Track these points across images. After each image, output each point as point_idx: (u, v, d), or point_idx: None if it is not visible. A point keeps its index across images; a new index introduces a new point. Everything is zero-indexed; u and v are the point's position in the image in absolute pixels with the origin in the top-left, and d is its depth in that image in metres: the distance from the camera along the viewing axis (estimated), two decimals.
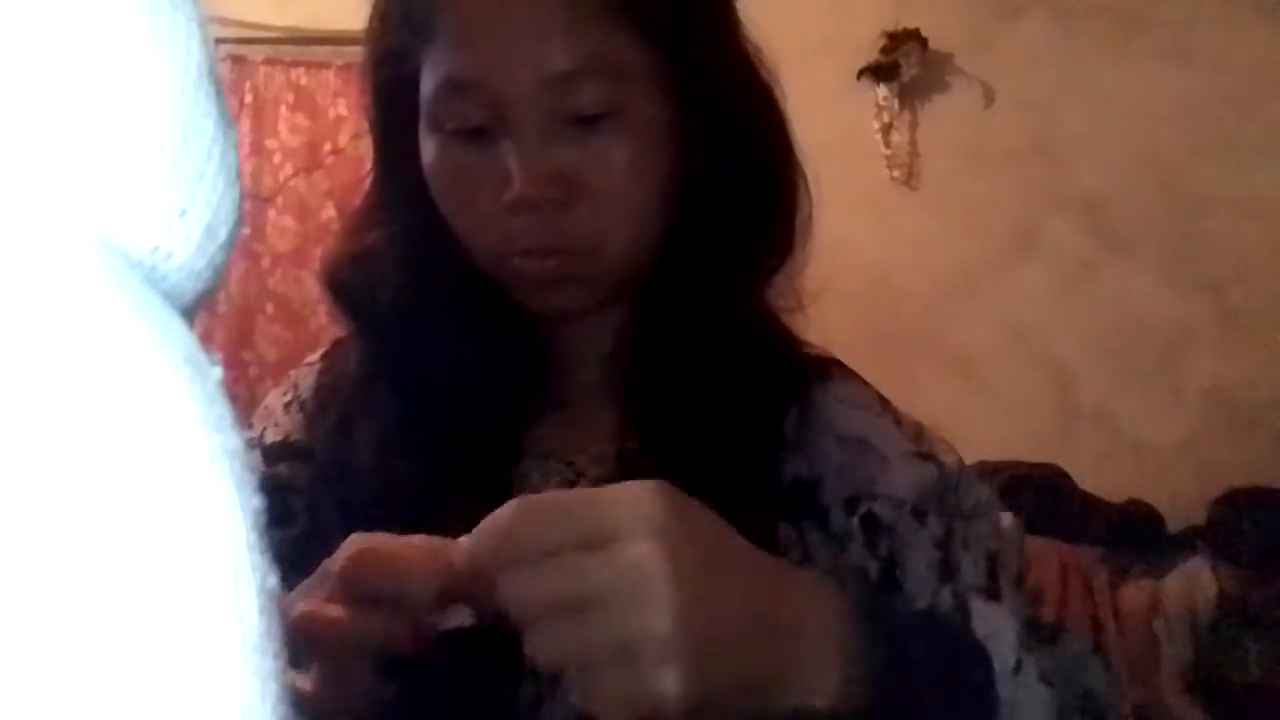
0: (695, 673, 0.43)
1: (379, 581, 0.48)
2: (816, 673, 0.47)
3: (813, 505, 0.64)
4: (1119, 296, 2.98)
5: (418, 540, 0.50)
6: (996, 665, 0.53)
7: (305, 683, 0.48)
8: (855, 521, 0.63)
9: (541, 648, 0.44)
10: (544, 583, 0.44)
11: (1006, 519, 0.66)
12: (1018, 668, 0.53)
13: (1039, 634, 0.58)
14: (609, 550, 0.43)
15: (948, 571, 0.61)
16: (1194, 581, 2.49)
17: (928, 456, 0.65)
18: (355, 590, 0.48)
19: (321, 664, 0.48)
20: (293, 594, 0.50)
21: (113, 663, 0.17)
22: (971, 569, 0.60)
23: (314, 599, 0.48)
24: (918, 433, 0.67)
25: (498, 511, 0.46)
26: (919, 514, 0.63)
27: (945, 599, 0.59)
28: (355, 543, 0.50)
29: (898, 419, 0.68)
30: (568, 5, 0.60)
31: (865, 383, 0.71)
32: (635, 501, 0.45)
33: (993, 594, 0.60)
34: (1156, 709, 2.49)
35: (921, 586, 0.61)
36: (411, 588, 0.48)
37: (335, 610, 0.48)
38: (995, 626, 0.55)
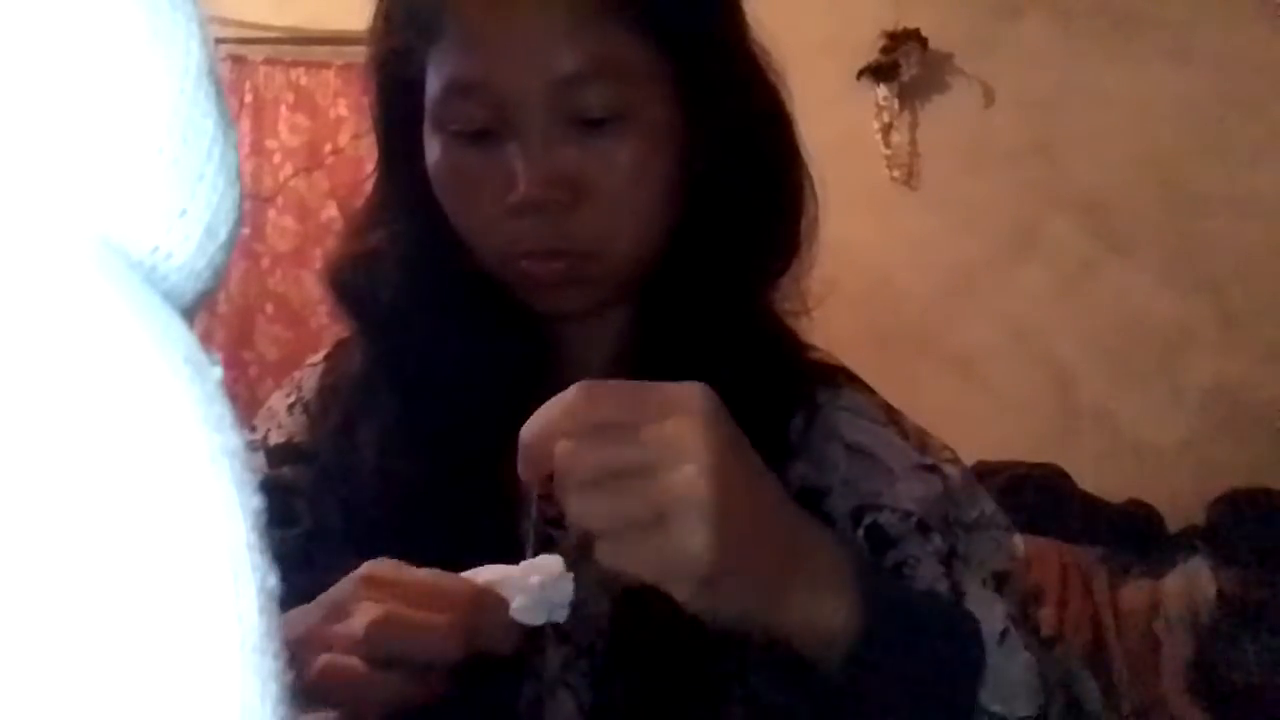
0: (723, 543, 0.45)
1: (404, 648, 0.49)
2: (822, 595, 0.49)
3: (819, 514, 0.64)
4: (1119, 296, 2.98)
5: (430, 576, 0.51)
6: (984, 630, 0.54)
7: None
8: (861, 532, 0.64)
9: (581, 509, 0.46)
10: (592, 448, 0.46)
11: (1016, 542, 0.65)
12: (1003, 636, 0.54)
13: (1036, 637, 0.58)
14: (658, 424, 0.46)
15: (952, 586, 0.61)
16: (1194, 581, 2.49)
17: (932, 469, 0.66)
18: (378, 654, 0.49)
19: (337, 708, 0.49)
20: (294, 614, 0.51)
21: (113, 662, 0.17)
22: (976, 585, 0.60)
23: (334, 653, 0.49)
24: (922, 443, 0.67)
25: (562, 393, 0.48)
26: (923, 528, 0.63)
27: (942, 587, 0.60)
28: (369, 570, 0.51)
29: (903, 430, 0.68)
30: (574, 7, 0.60)
31: (872, 391, 0.71)
32: (683, 390, 0.48)
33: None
34: (1156, 709, 2.49)
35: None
36: (435, 655, 0.49)
37: (355, 664, 0.48)
38: (985, 603, 0.57)
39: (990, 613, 0.56)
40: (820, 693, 0.51)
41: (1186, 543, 2.71)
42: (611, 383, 0.49)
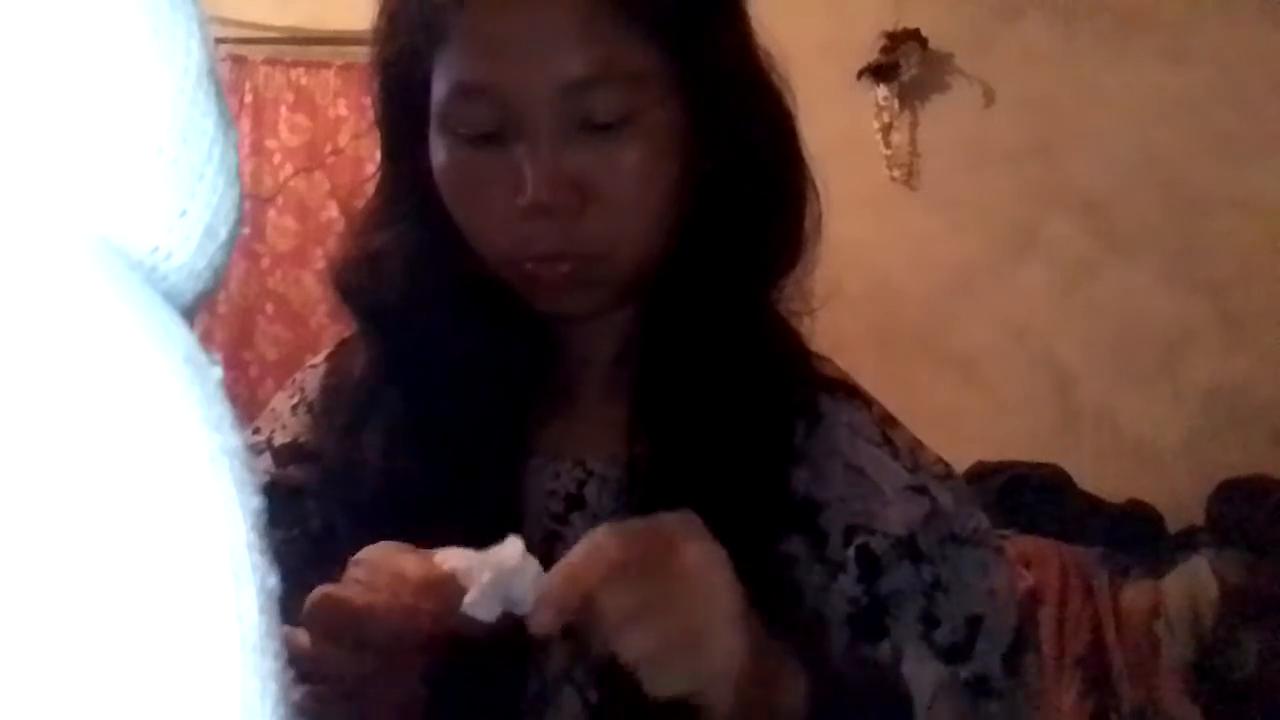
0: (741, 647, 0.51)
1: (339, 627, 0.51)
2: (785, 684, 0.54)
3: (813, 527, 0.65)
4: (1119, 296, 2.98)
5: (398, 561, 0.53)
6: (917, 699, 0.59)
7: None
8: (851, 552, 0.65)
9: (628, 646, 0.50)
10: (629, 587, 0.50)
11: (1002, 567, 0.68)
12: (932, 703, 0.59)
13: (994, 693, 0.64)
14: (676, 557, 0.51)
15: (931, 621, 0.64)
16: (1195, 580, 2.49)
17: (922, 490, 0.67)
18: (319, 631, 0.51)
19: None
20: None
21: (113, 662, 0.17)
22: (949, 630, 0.64)
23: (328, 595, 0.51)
24: (915, 462, 0.68)
25: (577, 548, 0.52)
26: (911, 554, 0.65)
27: (955, 634, 0.64)
28: (376, 550, 0.53)
29: (896, 449, 0.68)
30: (582, 11, 0.60)
31: (870, 406, 0.71)
32: (683, 521, 0.53)
33: (964, 654, 0.64)
34: (1156, 709, 2.49)
35: (906, 632, 0.64)
36: (369, 636, 0.51)
37: (301, 638, 0.51)
38: (918, 671, 0.61)
39: (921, 679, 0.61)
40: None
41: (1187, 542, 2.71)
42: (620, 526, 0.53)
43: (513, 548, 0.52)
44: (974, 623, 0.64)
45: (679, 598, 0.50)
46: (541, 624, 0.51)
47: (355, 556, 0.53)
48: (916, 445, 0.70)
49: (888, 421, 0.70)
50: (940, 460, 0.70)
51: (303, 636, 0.51)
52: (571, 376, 0.70)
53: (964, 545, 0.66)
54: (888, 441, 0.69)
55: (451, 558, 0.52)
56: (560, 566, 0.51)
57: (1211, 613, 2.45)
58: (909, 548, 0.65)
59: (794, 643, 0.56)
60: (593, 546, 0.51)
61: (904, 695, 0.59)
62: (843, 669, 0.60)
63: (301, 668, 0.50)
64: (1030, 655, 0.68)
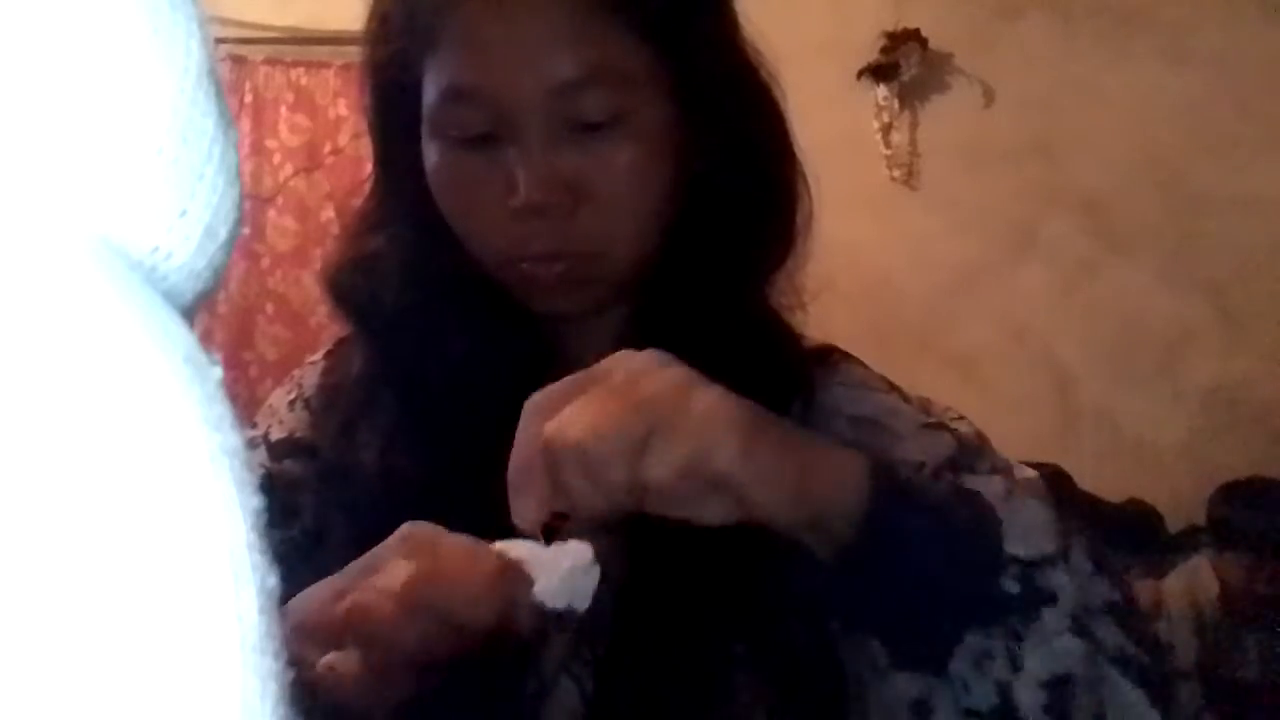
0: (739, 407, 0.50)
1: (438, 604, 0.50)
2: (839, 464, 0.52)
3: None
4: (1119, 296, 2.98)
5: (464, 543, 0.52)
6: (987, 493, 0.57)
7: (342, 664, 0.49)
8: None
9: (599, 456, 0.48)
10: (570, 413, 0.49)
11: (1039, 483, 0.65)
12: (1008, 494, 0.57)
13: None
14: (616, 375, 0.50)
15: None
16: (1195, 580, 2.49)
17: (939, 426, 0.66)
18: (411, 605, 0.49)
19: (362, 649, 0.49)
20: (331, 578, 0.52)
21: (113, 662, 0.17)
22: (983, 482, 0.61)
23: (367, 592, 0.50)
24: (926, 407, 0.68)
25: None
26: (940, 476, 0.62)
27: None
28: (408, 530, 0.52)
29: (905, 396, 0.68)
30: (573, 13, 0.60)
31: (865, 365, 0.71)
32: (619, 354, 0.52)
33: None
34: None
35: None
36: (467, 617, 0.50)
37: (386, 607, 0.49)
38: (981, 481, 0.59)
39: (988, 484, 0.58)
40: (851, 566, 0.52)
41: (1187, 542, 2.71)
42: (552, 384, 0.52)
43: (583, 547, 0.52)
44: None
45: (625, 391, 0.49)
46: (541, 512, 0.51)
47: (399, 533, 0.52)
48: (925, 399, 0.70)
49: (889, 381, 0.71)
50: (951, 408, 0.70)
51: (385, 604, 0.49)
52: (566, 376, 0.70)
53: (996, 475, 0.64)
54: (894, 389, 0.69)
55: (513, 548, 0.52)
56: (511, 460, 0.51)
57: (1212, 613, 2.45)
58: (937, 473, 0.63)
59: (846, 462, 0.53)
60: (528, 406, 0.52)
61: (977, 496, 0.57)
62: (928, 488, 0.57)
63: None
64: None
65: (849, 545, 0.51)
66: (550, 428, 0.49)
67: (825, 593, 0.55)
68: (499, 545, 0.52)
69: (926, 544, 0.53)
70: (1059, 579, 0.54)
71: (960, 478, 0.59)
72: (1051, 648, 0.52)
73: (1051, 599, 0.53)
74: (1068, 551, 0.55)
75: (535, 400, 0.52)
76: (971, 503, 0.56)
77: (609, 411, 0.48)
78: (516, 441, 0.51)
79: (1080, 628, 0.53)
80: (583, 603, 0.52)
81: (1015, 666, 0.52)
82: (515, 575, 0.51)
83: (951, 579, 0.53)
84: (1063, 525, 0.57)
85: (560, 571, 0.51)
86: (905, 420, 0.66)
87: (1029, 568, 0.54)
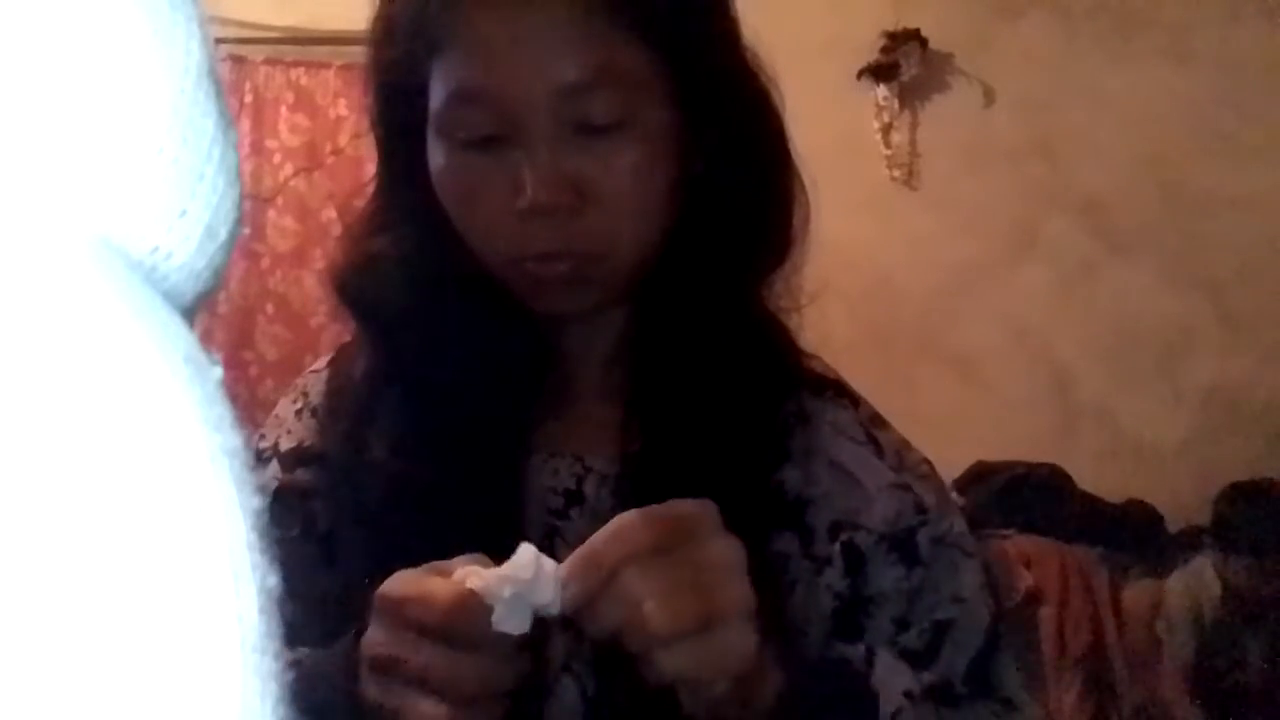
0: (751, 644, 0.52)
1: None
2: (764, 681, 0.55)
3: (800, 523, 0.67)
4: (1119, 296, 2.98)
5: (437, 584, 0.53)
6: (882, 707, 0.60)
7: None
8: (837, 548, 0.66)
9: (647, 622, 0.50)
10: (659, 569, 0.51)
11: (974, 569, 0.69)
12: (896, 714, 0.61)
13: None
14: (700, 544, 0.53)
15: (902, 625, 0.66)
16: (1198, 580, 2.49)
17: (905, 488, 0.68)
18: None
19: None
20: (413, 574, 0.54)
21: (113, 663, 0.17)
22: (916, 635, 0.66)
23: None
24: (899, 461, 0.70)
25: (608, 525, 0.53)
26: (892, 550, 0.66)
27: (861, 647, 0.65)
28: (396, 584, 0.54)
29: (880, 448, 0.70)
30: (578, 17, 0.61)
31: (856, 405, 0.72)
32: (705, 510, 0.54)
33: (928, 660, 0.65)
34: (1156, 709, 2.49)
35: (880, 630, 0.66)
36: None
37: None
38: (888, 679, 0.62)
39: (890, 686, 0.62)
40: None
41: (1187, 542, 2.71)
42: (645, 510, 0.54)
43: (524, 556, 0.51)
44: (941, 628, 0.66)
45: (700, 584, 0.51)
46: (569, 601, 0.52)
47: (379, 594, 0.54)
48: (903, 445, 0.71)
49: (874, 421, 0.71)
50: (925, 461, 0.72)
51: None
52: (568, 376, 0.71)
53: (940, 546, 0.67)
54: (872, 440, 0.70)
55: (471, 576, 0.51)
56: (583, 547, 0.52)
57: (1213, 614, 2.45)
58: (904, 548, 0.66)
59: (775, 639, 0.57)
60: (617, 527, 0.52)
61: (873, 701, 0.61)
62: (817, 670, 0.61)
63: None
64: (1004, 658, 0.69)
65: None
66: (627, 581, 0.51)
67: None
68: (457, 574, 0.52)
69: None
70: None
71: (878, 663, 0.63)
72: None
73: None
74: None
75: (615, 533, 0.53)
76: (861, 706, 0.61)
77: (688, 607, 0.51)
78: (600, 539, 0.53)
79: None
80: (552, 607, 0.51)
81: None
82: (474, 612, 0.51)
83: None
84: None
85: (505, 600, 0.51)
86: (875, 477, 0.68)
87: None
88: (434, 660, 0.51)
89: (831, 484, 0.67)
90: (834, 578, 0.66)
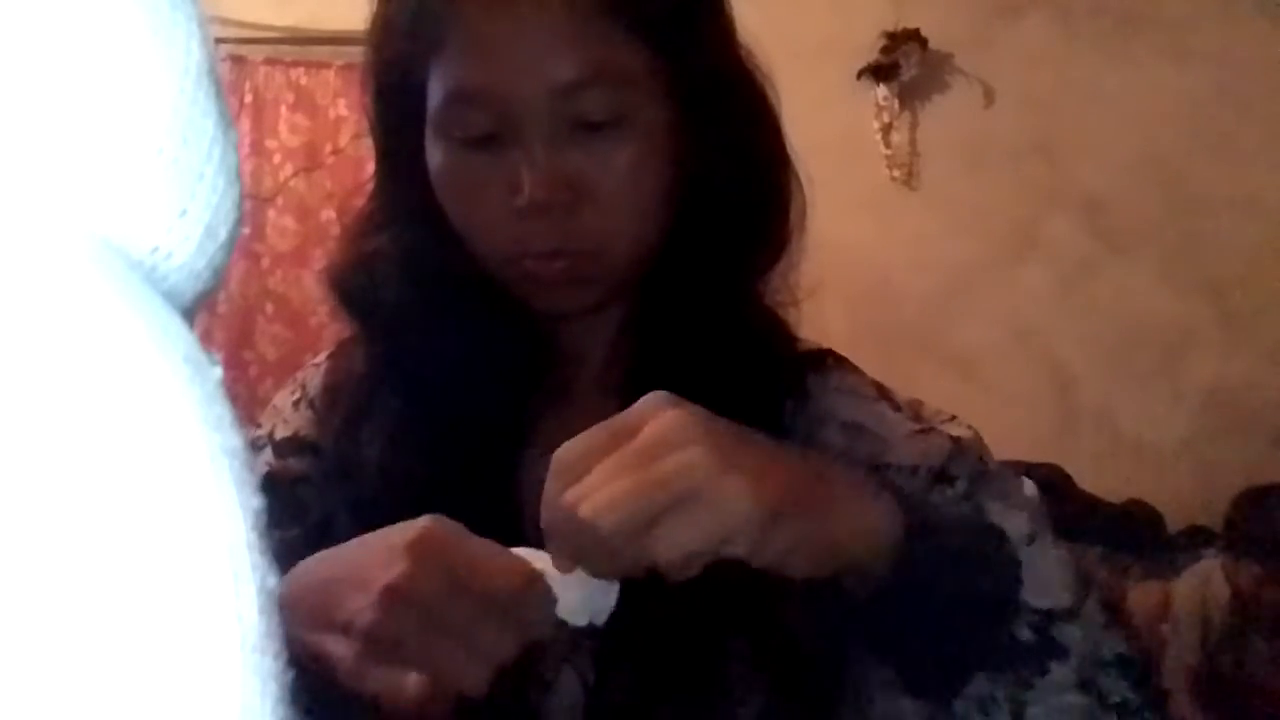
0: (760, 491, 0.48)
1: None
2: (864, 512, 0.52)
3: None
4: (1119, 296, 2.98)
5: (485, 553, 0.52)
6: (1010, 534, 0.57)
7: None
8: None
9: (614, 527, 0.47)
10: (598, 481, 0.48)
11: (1028, 483, 0.66)
12: (1031, 539, 0.58)
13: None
14: (641, 435, 0.49)
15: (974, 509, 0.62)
16: (1206, 583, 2.48)
17: (929, 431, 0.66)
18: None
19: None
20: (336, 562, 0.52)
21: (112, 662, 0.17)
22: (996, 504, 0.61)
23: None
24: (916, 413, 0.68)
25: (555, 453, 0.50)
26: (935, 478, 0.63)
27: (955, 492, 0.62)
28: (424, 530, 0.52)
29: (895, 404, 0.69)
30: (575, 16, 0.61)
31: (859, 371, 0.72)
32: (645, 401, 0.51)
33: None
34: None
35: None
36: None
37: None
38: (1006, 516, 0.59)
39: (1013, 522, 0.58)
40: (865, 613, 0.53)
41: (1187, 543, 2.71)
42: (581, 434, 0.51)
43: None
44: (1030, 509, 0.62)
45: (656, 473, 0.48)
46: (564, 564, 0.50)
47: (412, 535, 0.51)
48: (915, 402, 0.70)
49: (881, 386, 0.71)
50: (943, 411, 0.70)
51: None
52: (566, 373, 0.71)
53: (992, 473, 0.65)
54: (885, 396, 0.69)
55: (536, 559, 0.51)
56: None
57: (1220, 617, 2.44)
58: (937, 475, 0.64)
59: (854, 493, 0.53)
60: (551, 473, 0.50)
61: (1000, 536, 0.57)
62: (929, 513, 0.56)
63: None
64: None
65: (875, 584, 0.52)
66: (569, 497, 0.49)
67: (845, 618, 0.56)
68: (521, 552, 0.51)
69: (951, 587, 0.54)
70: (1071, 633, 0.55)
71: (986, 507, 0.60)
72: (1056, 701, 0.54)
73: (1063, 653, 0.55)
74: (1082, 604, 0.57)
75: (562, 456, 0.50)
76: (995, 544, 0.57)
77: (625, 488, 0.48)
78: (544, 496, 0.50)
79: (1086, 683, 0.55)
80: (601, 618, 0.51)
81: (1018, 715, 0.54)
82: (541, 591, 0.50)
83: (970, 622, 0.55)
84: (1078, 575, 0.58)
85: (583, 590, 0.50)
86: (894, 428, 0.66)
87: (1044, 619, 0.55)
88: (479, 616, 0.49)
89: (847, 445, 0.66)
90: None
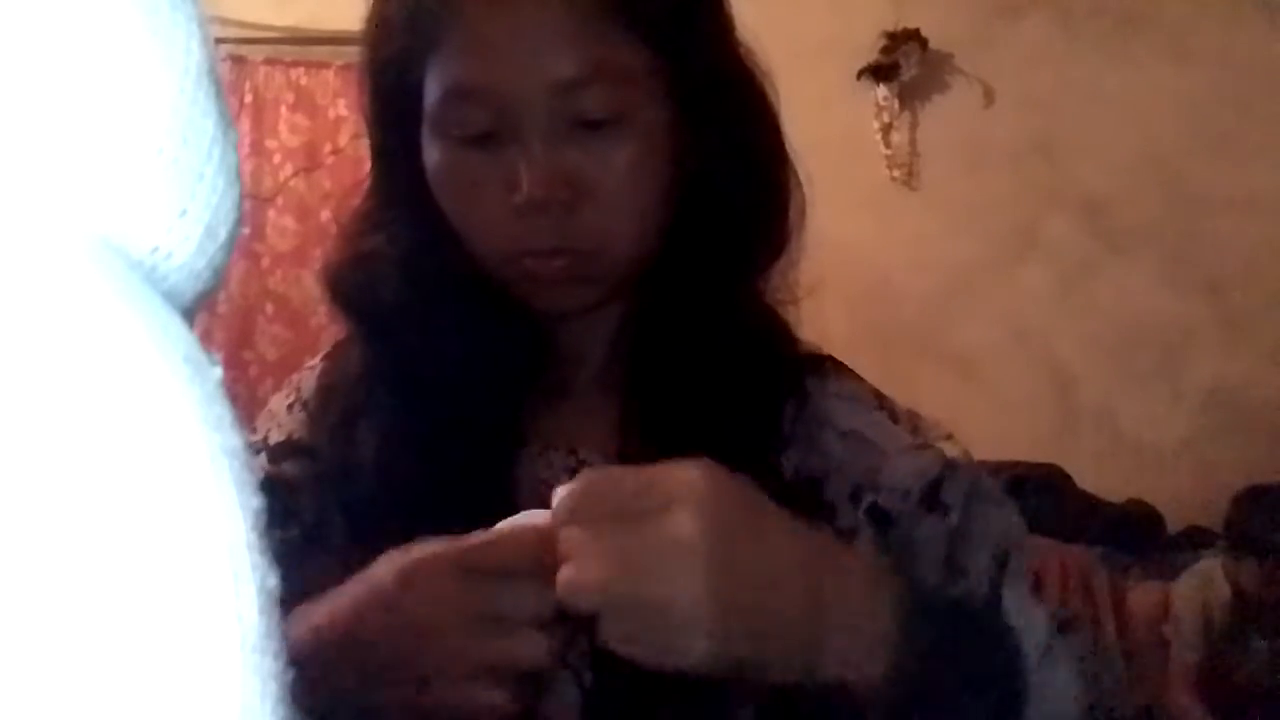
0: (722, 639, 0.48)
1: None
2: (857, 648, 0.51)
3: (819, 502, 0.65)
4: (1119, 296, 2.98)
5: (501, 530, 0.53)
6: (1027, 650, 0.55)
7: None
8: (861, 514, 0.65)
9: (583, 585, 0.48)
10: (598, 537, 0.49)
11: (1014, 513, 0.66)
12: (1047, 650, 0.56)
13: (1059, 623, 0.60)
14: (657, 517, 0.49)
15: (956, 565, 0.62)
16: (1207, 582, 2.48)
17: (927, 446, 0.66)
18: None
19: None
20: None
21: (113, 662, 0.17)
22: (980, 561, 0.62)
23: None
24: (914, 425, 0.68)
25: (570, 483, 0.51)
26: (926, 503, 0.64)
27: (981, 584, 0.61)
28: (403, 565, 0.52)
29: (894, 414, 0.69)
30: (573, 13, 0.61)
31: (859, 378, 0.72)
32: (684, 477, 0.50)
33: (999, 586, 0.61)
34: (1162, 710, 2.48)
35: (931, 577, 0.62)
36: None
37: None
38: (1026, 613, 0.58)
39: (1033, 623, 0.57)
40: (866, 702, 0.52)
41: (1187, 542, 2.71)
42: (612, 471, 0.52)
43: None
44: (1001, 558, 0.63)
45: (648, 563, 0.48)
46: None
47: (441, 556, 0.52)
48: (915, 414, 0.70)
49: (881, 395, 0.71)
50: (940, 424, 0.70)
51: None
52: (565, 372, 0.71)
53: (973, 499, 0.65)
54: (883, 406, 0.69)
55: (527, 518, 0.52)
56: (557, 496, 0.51)
57: (1221, 617, 2.44)
58: (928, 499, 0.64)
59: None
60: (588, 483, 0.51)
61: (1011, 642, 0.56)
62: (936, 613, 0.55)
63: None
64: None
65: (871, 691, 0.51)
66: (562, 576, 0.49)
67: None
68: (507, 523, 0.53)
69: (952, 701, 0.53)
70: None
71: (1005, 598, 0.59)
72: None
73: None
74: None
75: (573, 502, 0.51)
76: (1005, 663, 0.55)
77: (606, 580, 0.49)
78: (572, 490, 0.51)
79: None
80: None
81: None
82: (547, 542, 0.51)
83: None
84: (1089, 684, 0.57)
85: None
86: (893, 439, 0.66)
87: None
88: (545, 598, 0.50)
89: (844, 453, 0.66)
90: (865, 545, 0.64)
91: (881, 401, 0.70)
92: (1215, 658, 2.43)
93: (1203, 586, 2.48)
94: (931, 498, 0.64)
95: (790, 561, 0.51)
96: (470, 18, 0.62)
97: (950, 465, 0.65)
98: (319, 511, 0.67)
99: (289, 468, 0.70)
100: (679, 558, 0.48)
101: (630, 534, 0.49)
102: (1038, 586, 0.66)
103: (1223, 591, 2.44)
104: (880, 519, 0.64)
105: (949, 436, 0.68)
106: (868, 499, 0.65)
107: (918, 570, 0.62)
